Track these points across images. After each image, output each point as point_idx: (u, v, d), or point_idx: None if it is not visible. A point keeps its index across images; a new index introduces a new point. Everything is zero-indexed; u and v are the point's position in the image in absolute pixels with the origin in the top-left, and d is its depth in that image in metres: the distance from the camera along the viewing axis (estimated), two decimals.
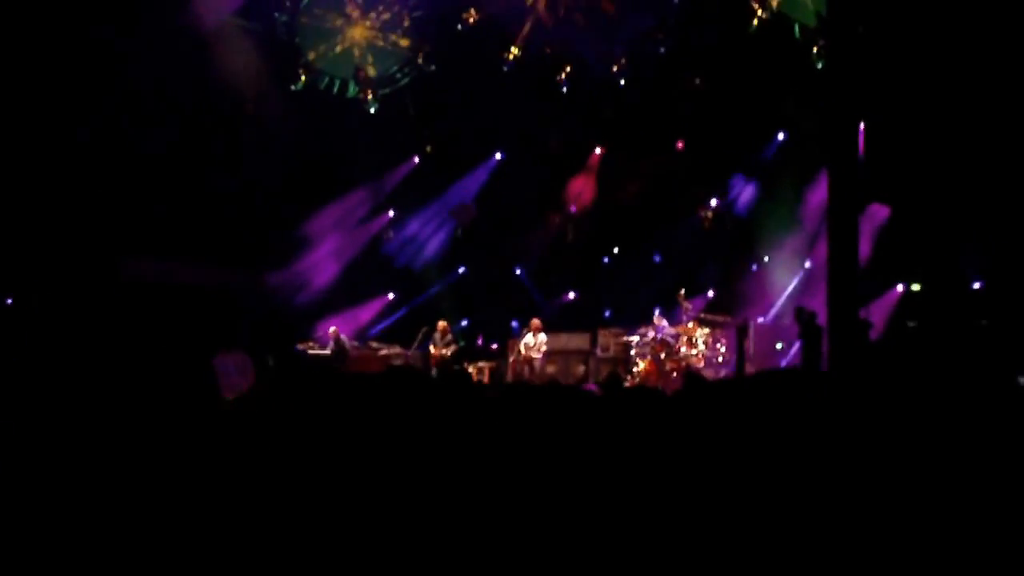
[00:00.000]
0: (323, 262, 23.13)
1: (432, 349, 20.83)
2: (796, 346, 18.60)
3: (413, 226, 24.54)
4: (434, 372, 20.11)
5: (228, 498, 3.48)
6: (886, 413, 4.04)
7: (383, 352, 21.03)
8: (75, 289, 18.02)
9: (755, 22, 20.91)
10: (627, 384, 16.89)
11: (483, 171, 24.38)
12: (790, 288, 22.17)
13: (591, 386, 18.00)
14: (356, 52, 22.53)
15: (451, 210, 24.37)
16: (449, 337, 20.97)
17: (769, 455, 3.60)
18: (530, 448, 3.78)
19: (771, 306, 22.27)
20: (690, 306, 20.45)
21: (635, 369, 20.26)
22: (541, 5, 22.00)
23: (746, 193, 23.21)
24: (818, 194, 18.69)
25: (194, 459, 3.70)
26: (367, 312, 23.83)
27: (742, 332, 17.50)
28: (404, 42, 22.63)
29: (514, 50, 22.41)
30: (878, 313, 18.91)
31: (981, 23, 15.44)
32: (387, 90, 22.82)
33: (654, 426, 4.05)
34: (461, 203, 24.36)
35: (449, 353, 20.73)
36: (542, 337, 20.81)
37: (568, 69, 22.67)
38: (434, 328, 21.01)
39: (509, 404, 4.38)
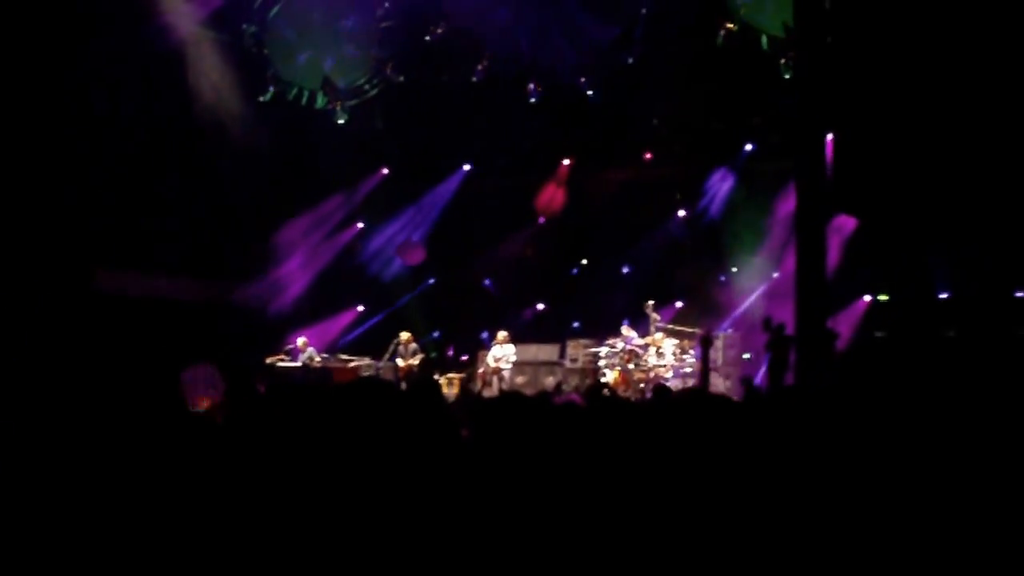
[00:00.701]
0: (294, 274, 23.06)
1: (400, 361, 20.76)
2: (765, 357, 18.65)
3: (383, 237, 24.49)
4: (403, 384, 20.04)
5: (190, 511, 3.43)
6: (855, 422, 4.02)
7: (353, 364, 20.93)
8: (51, 301, 17.83)
9: (722, 33, 21.00)
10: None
11: (452, 182, 24.37)
12: (756, 298, 22.23)
13: (573, 396, 17.97)
14: (324, 63, 22.49)
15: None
16: (414, 347, 20.93)
17: (740, 468, 3.57)
18: (508, 462, 3.73)
19: (738, 316, 22.32)
20: (658, 317, 20.46)
21: (603, 380, 20.25)
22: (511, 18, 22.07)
23: (719, 196, 23.13)
24: (786, 205, 18.74)
25: (157, 472, 3.65)
26: (337, 323, 23.74)
27: (706, 342, 17.58)
28: (373, 53, 22.61)
29: (483, 61, 22.45)
30: (845, 324, 18.99)
31: (950, 35, 15.54)
32: (355, 101, 22.78)
33: (631, 438, 4.01)
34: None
35: (416, 363, 20.71)
36: (510, 348, 20.80)
37: (536, 80, 22.71)
38: (398, 340, 20.98)
39: (485, 416, 4.32)
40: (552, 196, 24.41)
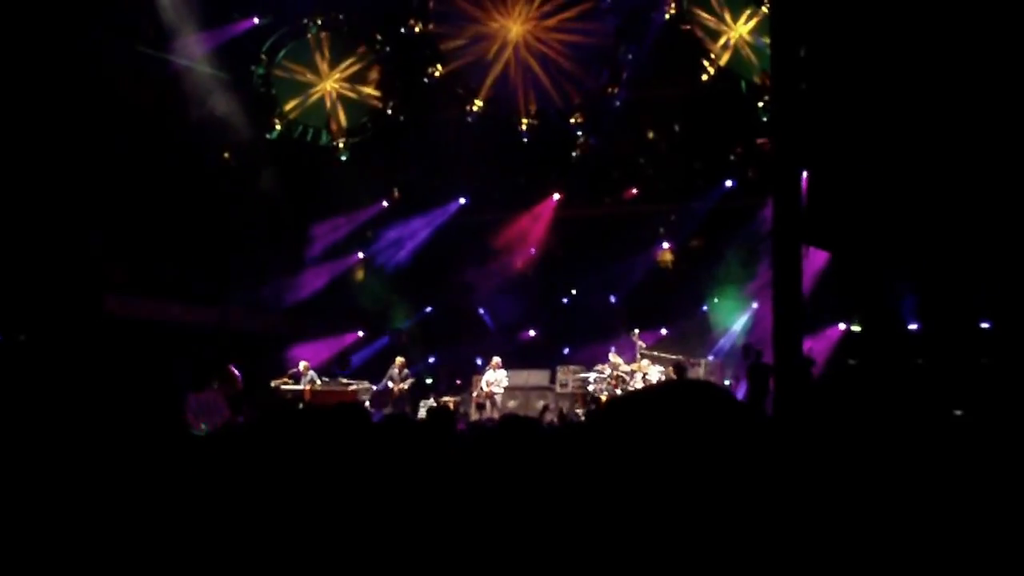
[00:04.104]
0: (295, 294, 23.23)
1: (391, 385, 20.71)
2: (744, 383, 18.67)
3: (382, 265, 24.62)
4: (389, 408, 19.99)
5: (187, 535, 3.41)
6: (829, 443, 4.03)
7: (353, 387, 20.87)
8: (62, 326, 17.75)
9: (705, 77, 21.21)
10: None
11: (447, 214, 24.46)
12: (737, 327, 22.28)
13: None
14: (328, 103, 22.67)
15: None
16: (406, 372, 20.89)
17: (718, 487, 3.54)
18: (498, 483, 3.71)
19: (719, 343, 22.38)
20: (644, 344, 20.49)
21: (592, 405, 20.23)
22: (504, 62, 22.28)
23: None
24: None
25: (157, 494, 3.63)
26: (337, 348, 23.73)
27: (680, 370, 17.72)
28: (374, 94, 22.80)
29: (478, 103, 22.62)
30: (820, 351, 19.03)
31: (918, 84, 15.68)
32: (357, 139, 22.92)
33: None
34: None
35: (406, 387, 20.67)
36: (502, 373, 20.82)
37: (529, 121, 22.87)
38: (394, 364, 20.97)
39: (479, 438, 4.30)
40: (541, 229, 24.47)
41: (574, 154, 23.22)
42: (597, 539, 3.21)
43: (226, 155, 21.50)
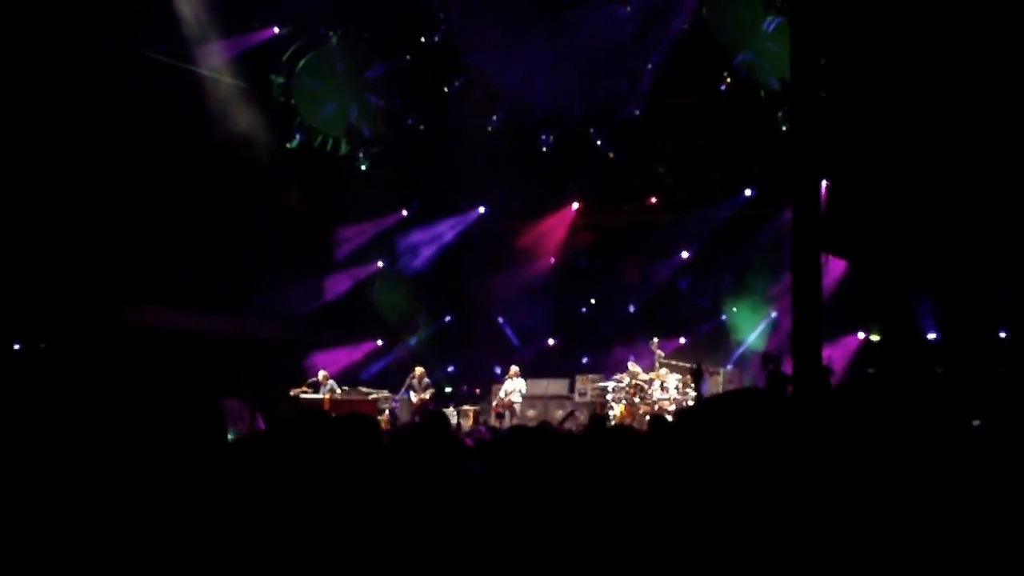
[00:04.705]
0: (318, 304, 23.30)
1: (412, 395, 20.70)
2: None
3: (400, 274, 24.68)
4: (415, 417, 19.97)
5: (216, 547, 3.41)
6: (848, 451, 4.00)
7: (373, 397, 20.87)
8: (81, 335, 17.81)
9: (723, 87, 21.21)
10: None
11: (467, 223, 24.51)
12: (756, 336, 22.23)
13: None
14: (348, 113, 22.74)
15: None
16: (427, 381, 20.89)
17: (739, 493, 3.53)
18: (515, 491, 3.70)
19: (737, 352, 22.34)
20: (662, 353, 20.46)
21: (611, 413, 20.20)
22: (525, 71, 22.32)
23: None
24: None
25: (190, 502, 3.63)
26: (357, 357, 23.75)
27: (697, 373, 17.70)
28: (394, 103, 22.88)
29: (497, 112, 22.70)
30: (839, 360, 18.96)
31: (936, 92, 15.63)
32: (376, 148, 22.98)
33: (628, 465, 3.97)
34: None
35: (428, 397, 20.67)
36: (520, 382, 20.83)
37: (548, 129, 22.92)
38: (413, 374, 20.96)
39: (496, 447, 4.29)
40: (560, 237, 24.50)
41: (594, 163, 23.22)
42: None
43: (245, 163, 21.54)
